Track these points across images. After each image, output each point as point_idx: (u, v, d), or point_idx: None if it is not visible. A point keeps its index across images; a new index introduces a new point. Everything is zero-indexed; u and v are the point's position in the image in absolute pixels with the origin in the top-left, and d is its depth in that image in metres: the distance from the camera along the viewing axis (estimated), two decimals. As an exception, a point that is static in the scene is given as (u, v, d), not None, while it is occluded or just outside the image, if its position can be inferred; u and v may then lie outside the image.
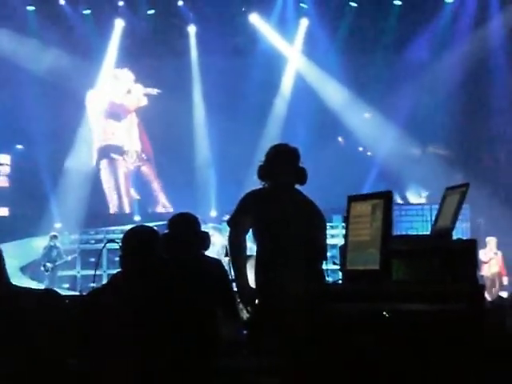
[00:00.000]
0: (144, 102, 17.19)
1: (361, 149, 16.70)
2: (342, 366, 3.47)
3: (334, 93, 16.36)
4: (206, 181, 16.76)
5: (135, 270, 3.76)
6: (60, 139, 16.32)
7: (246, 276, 5.16)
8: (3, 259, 3.90)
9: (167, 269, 4.09)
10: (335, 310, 3.57)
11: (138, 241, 3.82)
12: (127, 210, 17.17)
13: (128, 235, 3.86)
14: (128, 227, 4.07)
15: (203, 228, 5.36)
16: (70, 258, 15.38)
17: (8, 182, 16.82)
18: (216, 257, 6.40)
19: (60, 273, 15.30)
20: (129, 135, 17.35)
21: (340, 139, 16.62)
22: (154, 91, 17.06)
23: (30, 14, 15.66)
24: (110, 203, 17.15)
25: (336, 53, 15.88)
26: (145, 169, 17.46)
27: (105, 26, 16.10)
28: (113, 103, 17.22)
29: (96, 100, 16.97)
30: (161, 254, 3.95)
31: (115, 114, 17.33)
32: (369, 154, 16.72)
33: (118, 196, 17.19)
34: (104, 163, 17.22)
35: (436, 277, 3.88)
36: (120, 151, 17.33)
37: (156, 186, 17.31)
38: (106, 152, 17.29)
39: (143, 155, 17.46)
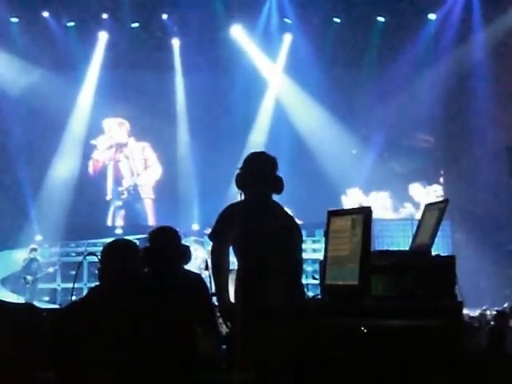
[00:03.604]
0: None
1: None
2: (321, 381, 3.47)
3: (314, 113, 16.43)
4: (188, 194, 16.74)
5: (113, 283, 3.74)
6: (40, 151, 16.26)
7: (227, 291, 5.14)
8: None
9: (146, 282, 4.07)
10: (314, 324, 3.58)
11: (117, 254, 3.81)
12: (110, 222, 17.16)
13: (107, 248, 3.84)
14: (109, 240, 4.05)
15: (185, 241, 5.34)
16: (51, 270, 15.31)
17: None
18: (198, 271, 6.40)
19: (40, 285, 15.21)
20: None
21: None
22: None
23: (14, 26, 15.62)
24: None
25: (319, 68, 15.92)
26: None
27: (88, 38, 16.08)
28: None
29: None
30: (140, 268, 3.94)
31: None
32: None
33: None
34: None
35: (414, 293, 3.89)
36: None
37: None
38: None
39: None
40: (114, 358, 3.57)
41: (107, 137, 17.37)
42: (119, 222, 17.16)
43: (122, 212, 17.13)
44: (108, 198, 17.17)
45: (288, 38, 16.44)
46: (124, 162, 17.48)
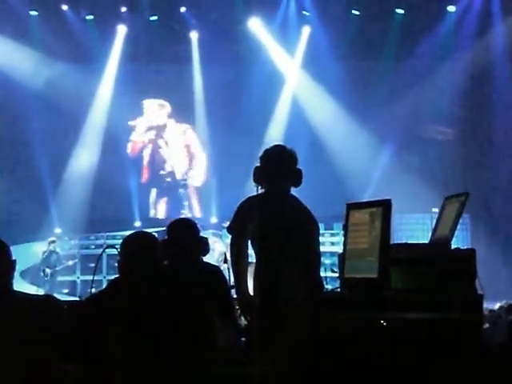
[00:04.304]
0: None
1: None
2: (340, 374, 3.47)
3: (331, 106, 16.38)
4: (206, 187, 16.76)
5: (133, 275, 3.76)
6: (60, 144, 16.33)
7: (246, 283, 5.14)
8: (14, 270, 3.95)
9: (165, 274, 4.09)
10: (333, 318, 3.57)
11: (137, 246, 3.82)
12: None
13: (126, 241, 3.86)
14: (128, 232, 4.06)
15: (203, 234, 5.35)
16: (70, 262, 15.40)
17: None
18: (215, 263, 6.41)
19: (60, 278, 15.30)
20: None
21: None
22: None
23: (33, 19, 15.68)
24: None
25: (337, 61, 15.87)
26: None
27: (107, 31, 16.12)
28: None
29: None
30: (159, 260, 3.94)
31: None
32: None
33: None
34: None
35: (434, 286, 3.88)
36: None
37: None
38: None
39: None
40: (132, 350, 3.59)
41: (146, 118, 17.19)
42: (161, 208, 17.01)
43: (165, 198, 17.08)
44: (143, 180, 17.10)
45: (306, 31, 16.38)
46: (163, 145, 17.26)
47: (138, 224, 16.45)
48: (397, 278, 3.82)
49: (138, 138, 17.21)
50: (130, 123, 17.06)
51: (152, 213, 16.85)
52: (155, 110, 17.24)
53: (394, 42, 16.05)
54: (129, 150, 17.15)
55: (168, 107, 17.22)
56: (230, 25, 15.72)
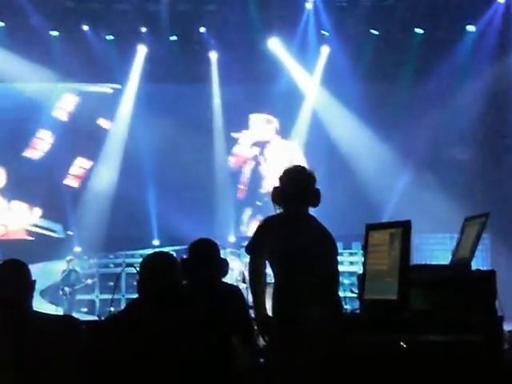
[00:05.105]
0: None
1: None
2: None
3: (351, 125, 16.38)
4: (225, 205, 16.77)
5: (153, 296, 3.76)
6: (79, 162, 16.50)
7: (265, 304, 5.13)
8: (34, 290, 3.98)
9: (185, 295, 4.08)
10: (353, 339, 3.56)
11: (156, 266, 3.82)
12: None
13: (146, 261, 3.86)
14: (147, 251, 4.08)
15: (221, 253, 5.35)
16: (89, 281, 15.44)
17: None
18: (234, 283, 6.40)
19: (78, 297, 15.34)
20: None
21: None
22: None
23: (53, 39, 15.83)
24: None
25: (356, 81, 15.89)
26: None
27: (127, 51, 16.25)
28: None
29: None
30: (179, 280, 3.94)
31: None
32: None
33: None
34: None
35: (454, 307, 3.85)
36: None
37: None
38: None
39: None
40: (152, 372, 3.59)
41: (251, 132, 17.08)
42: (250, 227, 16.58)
43: (259, 217, 16.97)
44: (239, 196, 16.99)
45: (325, 51, 16.45)
46: (266, 162, 17.07)
47: (156, 242, 16.49)
48: (416, 300, 3.80)
49: (242, 152, 17.00)
50: (233, 135, 16.93)
51: (243, 230, 16.69)
52: (262, 124, 17.08)
53: (413, 62, 16.06)
54: (231, 164, 17.01)
55: (276, 123, 17.05)
56: (249, 45, 15.81)
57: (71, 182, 16.82)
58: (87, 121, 16.23)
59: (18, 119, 16.24)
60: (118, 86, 16.80)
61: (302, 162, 16.21)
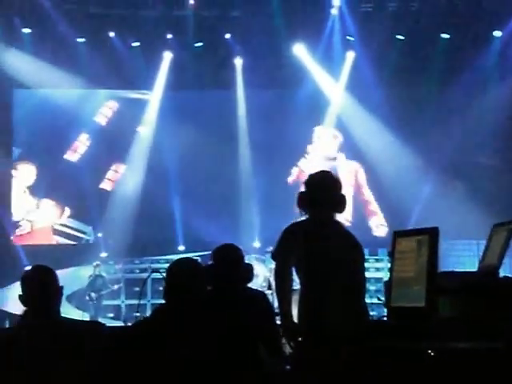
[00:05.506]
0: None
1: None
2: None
3: (375, 131, 16.31)
4: (250, 211, 16.77)
5: (179, 302, 3.77)
6: (105, 167, 16.61)
7: (291, 309, 5.12)
8: (61, 296, 4.02)
9: (211, 301, 4.09)
10: (380, 347, 3.54)
11: (182, 273, 3.84)
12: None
13: (172, 267, 3.88)
14: (172, 257, 4.10)
15: (246, 259, 5.35)
16: (116, 287, 15.51)
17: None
18: (259, 289, 6.39)
19: (105, 302, 15.42)
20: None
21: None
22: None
23: (80, 46, 15.95)
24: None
25: (381, 86, 15.86)
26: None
27: (153, 58, 16.34)
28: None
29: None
30: (204, 286, 3.96)
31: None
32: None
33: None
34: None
35: (481, 314, 3.82)
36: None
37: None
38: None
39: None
40: (179, 376, 3.60)
41: (315, 146, 16.94)
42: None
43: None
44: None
45: (351, 56, 16.42)
46: None
47: (181, 248, 16.53)
48: (444, 307, 3.77)
49: (305, 165, 16.54)
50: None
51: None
52: (326, 139, 16.89)
53: (439, 67, 15.97)
54: (293, 177, 16.72)
55: (340, 138, 16.79)
56: (274, 51, 15.83)
57: (107, 185, 16.93)
58: (125, 127, 16.42)
59: (57, 124, 16.40)
60: (147, 93, 16.90)
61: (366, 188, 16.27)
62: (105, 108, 16.99)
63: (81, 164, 16.75)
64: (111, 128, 16.75)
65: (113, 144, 16.56)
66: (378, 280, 13.89)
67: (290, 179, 16.69)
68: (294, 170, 16.81)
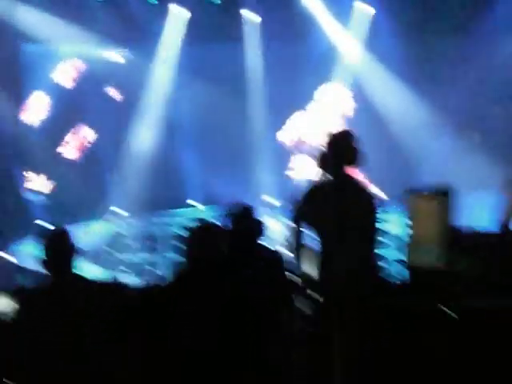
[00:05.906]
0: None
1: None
2: (406, 363, 3.45)
3: (390, 81, 16.18)
4: (262, 166, 16.77)
5: (201, 265, 3.82)
6: (117, 123, 16.62)
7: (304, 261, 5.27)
8: (74, 254, 4.12)
9: (230, 264, 4.14)
10: (399, 305, 3.56)
11: (204, 237, 3.91)
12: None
13: (194, 231, 3.94)
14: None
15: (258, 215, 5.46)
16: (131, 241, 15.58)
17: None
18: (278, 246, 6.47)
19: (119, 256, 15.51)
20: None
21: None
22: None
23: (94, 3, 15.78)
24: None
25: (394, 36, 15.64)
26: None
27: (168, 14, 16.23)
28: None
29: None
30: (223, 249, 4.01)
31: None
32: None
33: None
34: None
35: (500, 272, 3.84)
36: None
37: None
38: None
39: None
40: (201, 333, 3.66)
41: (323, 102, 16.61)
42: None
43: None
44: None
45: (363, 7, 16.21)
46: None
47: (192, 202, 16.53)
48: (464, 265, 3.79)
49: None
50: None
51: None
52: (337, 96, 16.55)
53: (458, 12, 15.60)
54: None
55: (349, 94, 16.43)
56: (287, 4, 15.65)
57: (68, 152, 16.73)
58: (126, 82, 16.33)
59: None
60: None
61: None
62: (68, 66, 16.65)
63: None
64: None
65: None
66: (385, 232, 13.84)
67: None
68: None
